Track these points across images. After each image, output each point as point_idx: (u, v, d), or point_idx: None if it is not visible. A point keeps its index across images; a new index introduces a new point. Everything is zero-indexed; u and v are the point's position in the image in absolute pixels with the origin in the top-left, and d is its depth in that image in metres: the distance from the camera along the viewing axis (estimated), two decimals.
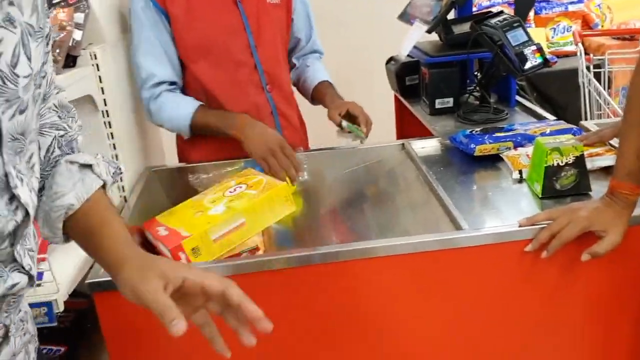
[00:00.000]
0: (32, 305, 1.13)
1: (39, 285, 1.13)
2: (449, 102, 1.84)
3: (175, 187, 1.60)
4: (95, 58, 1.36)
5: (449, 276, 1.18)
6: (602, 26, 3.01)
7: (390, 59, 2.14)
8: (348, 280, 1.17)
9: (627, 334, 1.25)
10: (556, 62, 2.76)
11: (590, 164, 1.31)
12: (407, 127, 2.21)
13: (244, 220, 1.26)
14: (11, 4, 0.64)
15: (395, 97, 2.27)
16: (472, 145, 1.47)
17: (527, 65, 1.59)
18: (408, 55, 1.90)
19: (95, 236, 0.80)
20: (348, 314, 1.19)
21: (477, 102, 1.85)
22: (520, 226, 1.15)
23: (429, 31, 1.77)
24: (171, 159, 1.90)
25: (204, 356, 1.19)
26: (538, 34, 2.83)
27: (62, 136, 0.85)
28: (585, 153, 1.27)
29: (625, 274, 1.20)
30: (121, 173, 0.93)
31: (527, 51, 1.59)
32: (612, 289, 1.21)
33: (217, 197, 1.35)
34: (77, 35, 1.32)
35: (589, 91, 2.26)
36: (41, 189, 0.81)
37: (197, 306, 0.79)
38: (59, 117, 0.87)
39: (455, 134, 1.57)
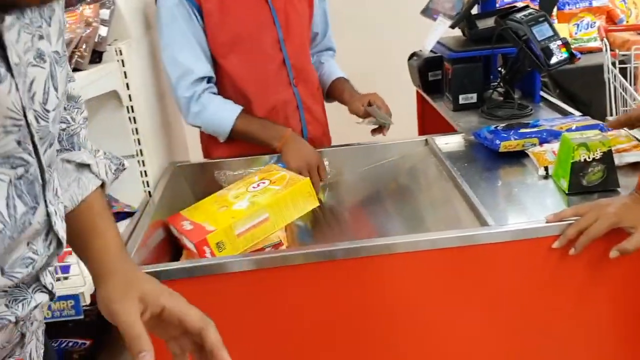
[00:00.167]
0: (59, 299, 1.15)
1: (65, 278, 1.15)
2: (473, 97, 1.83)
3: (199, 182, 1.61)
4: (121, 54, 1.37)
5: (473, 273, 1.17)
6: (627, 21, 2.96)
7: (413, 54, 2.13)
8: (370, 276, 1.17)
9: None
10: (580, 58, 2.72)
11: (618, 160, 1.29)
12: (429, 123, 2.20)
13: (267, 216, 1.27)
14: (41, 37, 0.61)
15: (418, 92, 2.25)
16: (497, 142, 1.45)
17: (553, 60, 1.57)
18: (431, 51, 1.89)
19: (86, 243, 0.78)
20: (369, 309, 1.19)
21: (501, 98, 1.83)
22: (547, 222, 1.13)
23: (452, 26, 1.75)
24: (194, 155, 1.91)
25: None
26: (561, 29, 2.79)
27: (63, 130, 0.80)
28: (612, 149, 1.25)
29: None
30: (124, 169, 0.89)
31: (553, 46, 1.57)
32: None
33: (241, 192, 1.36)
34: (103, 31, 1.33)
35: (615, 87, 2.23)
36: None
37: (172, 335, 0.76)
38: (64, 108, 0.81)
39: (480, 130, 1.55)
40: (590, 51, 2.79)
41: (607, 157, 1.24)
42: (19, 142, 0.55)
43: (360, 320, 1.19)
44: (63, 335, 1.47)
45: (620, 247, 1.09)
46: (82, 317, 1.13)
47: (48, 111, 0.62)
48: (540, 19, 1.60)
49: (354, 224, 1.59)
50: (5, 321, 0.59)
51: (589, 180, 1.25)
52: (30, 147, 0.57)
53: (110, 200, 1.40)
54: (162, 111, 1.65)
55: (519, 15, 1.63)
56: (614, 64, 2.19)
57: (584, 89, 2.58)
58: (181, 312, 0.73)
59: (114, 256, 0.77)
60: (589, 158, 1.23)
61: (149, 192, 1.47)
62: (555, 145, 1.37)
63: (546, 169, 1.36)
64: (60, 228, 0.64)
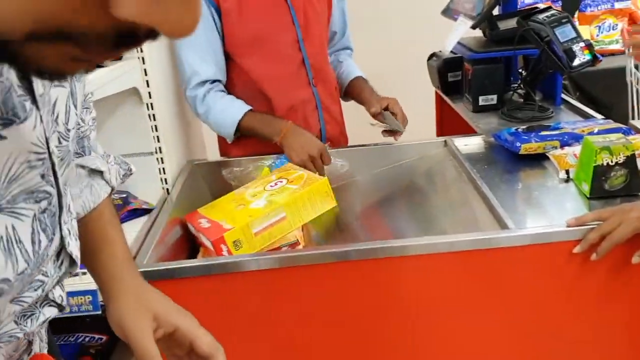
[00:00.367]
0: (76, 294, 1.16)
1: (84, 273, 1.15)
2: (493, 99, 1.81)
3: (216, 180, 1.61)
4: (141, 51, 1.37)
5: (491, 277, 1.16)
6: None
7: (432, 55, 2.12)
8: (386, 278, 1.16)
9: None
10: (601, 60, 2.68)
11: None
12: (448, 124, 2.18)
13: (284, 215, 1.27)
14: None
15: (437, 93, 2.24)
16: (518, 144, 1.44)
17: (576, 62, 1.55)
18: (451, 52, 1.88)
19: (95, 253, 0.76)
20: (384, 311, 1.18)
21: (522, 100, 1.81)
22: (568, 226, 1.12)
23: (474, 27, 1.74)
24: (212, 153, 1.91)
25: (243, 350, 1.20)
26: (583, 32, 2.75)
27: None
28: (636, 153, 1.23)
29: None
30: (131, 174, 0.88)
31: (576, 48, 1.55)
32: None
33: (258, 191, 1.36)
34: None
35: (637, 90, 2.20)
36: None
37: (176, 354, 0.75)
38: None
39: (500, 132, 1.54)
40: (612, 53, 2.76)
41: (630, 161, 1.22)
42: (42, 176, 0.54)
43: (374, 321, 1.19)
44: (80, 330, 1.48)
45: None
46: (99, 312, 1.14)
47: (69, 130, 0.61)
48: (563, 20, 1.58)
49: (370, 224, 1.58)
50: (14, 338, 0.58)
51: (611, 185, 1.23)
52: (52, 178, 0.55)
53: (129, 197, 1.41)
54: (181, 109, 1.65)
55: (541, 16, 1.61)
56: (636, 66, 2.16)
57: (605, 92, 2.55)
58: (193, 335, 0.72)
59: (123, 266, 0.76)
60: (611, 162, 1.22)
61: (167, 189, 1.48)
62: (576, 149, 1.35)
63: (567, 172, 1.35)
64: (74, 247, 0.62)
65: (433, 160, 1.65)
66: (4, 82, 0.46)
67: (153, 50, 1.43)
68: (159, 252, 1.20)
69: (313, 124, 1.65)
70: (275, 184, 1.36)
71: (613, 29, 2.86)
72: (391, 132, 1.63)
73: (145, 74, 1.38)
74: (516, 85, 1.89)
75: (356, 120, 1.81)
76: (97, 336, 1.47)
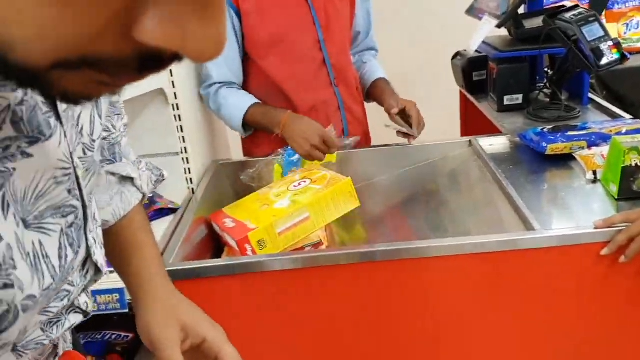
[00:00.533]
0: (104, 292, 1.17)
1: (112, 272, 1.17)
2: (518, 98, 1.79)
3: (240, 180, 1.62)
4: None
5: (518, 278, 1.15)
6: None
7: (457, 54, 2.10)
8: (409, 279, 1.16)
9: None
10: (629, 58, 2.64)
11: None
12: (473, 124, 2.16)
13: (308, 215, 1.27)
14: None
15: (461, 92, 2.22)
16: (544, 144, 1.42)
17: (603, 62, 1.52)
18: (476, 51, 1.86)
19: (126, 260, 0.76)
20: (407, 312, 1.18)
21: (548, 100, 1.79)
22: (595, 228, 1.10)
23: (499, 26, 1.72)
24: (235, 152, 1.93)
25: (265, 350, 1.21)
26: (610, 29, 2.71)
27: (105, 138, 0.76)
28: None
29: None
30: (163, 179, 0.88)
31: (604, 47, 1.53)
32: None
33: (282, 191, 1.36)
34: None
35: None
36: None
37: None
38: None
39: (525, 132, 1.52)
40: None
41: None
42: (69, 191, 0.54)
43: (397, 323, 1.19)
44: (107, 327, 1.50)
45: None
46: (126, 310, 1.15)
47: (94, 140, 0.61)
48: (591, 19, 1.56)
49: (394, 225, 1.58)
50: (40, 345, 0.58)
51: (639, 186, 1.22)
52: (77, 192, 0.55)
53: (155, 196, 1.42)
54: (206, 110, 1.66)
55: (568, 14, 1.59)
56: None
57: (633, 91, 2.50)
58: (219, 348, 0.72)
59: (154, 274, 0.76)
60: None
61: (192, 189, 1.49)
62: (604, 149, 1.33)
63: (594, 172, 1.33)
64: (100, 256, 0.62)
65: (457, 160, 1.64)
66: (29, 101, 0.47)
67: None
68: (185, 251, 1.21)
69: (335, 124, 1.65)
70: (299, 184, 1.37)
71: None
72: (406, 133, 1.61)
73: (171, 75, 1.40)
74: (542, 84, 1.86)
75: (379, 120, 1.80)
76: (123, 334, 1.49)
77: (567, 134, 1.44)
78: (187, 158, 1.46)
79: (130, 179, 0.79)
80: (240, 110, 1.56)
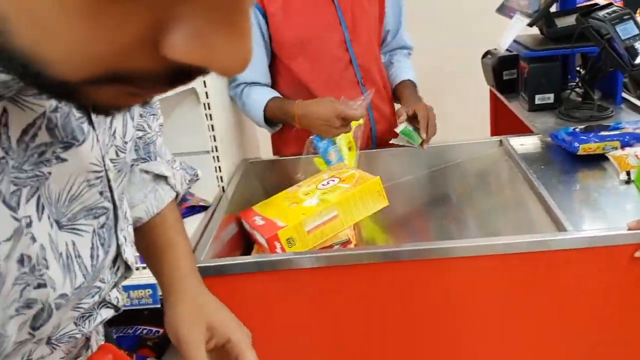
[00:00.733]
0: (137, 287, 1.20)
1: (144, 267, 1.19)
2: (550, 98, 1.77)
3: (269, 179, 1.64)
4: None
5: (549, 280, 1.13)
6: None
7: (487, 52, 2.09)
8: (437, 279, 1.15)
9: None
10: None
11: None
12: (503, 123, 2.15)
13: (336, 213, 1.27)
14: None
15: (491, 92, 2.21)
16: (576, 144, 1.40)
17: (638, 60, 1.50)
18: (506, 50, 1.85)
19: (158, 258, 0.77)
20: (434, 312, 1.18)
21: (580, 99, 1.77)
22: (629, 229, 1.08)
23: (531, 24, 1.70)
24: (264, 151, 1.94)
25: (291, 347, 1.22)
26: None
27: (140, 137, 0.78)
28: None
29: None
30: (198, 179, 0.89)
31: (638, 45, 1.50)
32: None
33: (311, 189, 1.37)
34: None
35: None
36: None
37: None
38: (140, 115, 0.78)
39: (557, 131, 1.51)
40: None
41: None
42: (101, 193, 0.55)
43: (424, 323, 1.19)
44: (138, 322, 1.53)
45: None
46: (158, 306, 1.17)
47: (127, 142, 0.63)
48: (625, 17, 1.53)
49: (423, 224, 1.58)
50: (73, 339, 0.60)
51: None
52: (109, 193, 0.57)
53: (186, 194, 1.44)
54: (236, 109, 1.68)
55: (601, 13, 1.56)
56: None
57: None
58: (241, 351, 0.72)
59: (185, 273, 0.76)
60: None
61: (223, 187, 1.51)
62: (638, 149, 1.32)
63: (628, 173, 1.31)
64: (130, 254, 0.63)
65: (488, 160, 1.62)
66: (63, 108, 0.48)
67: None
68: (215, 249, 1.23)
69: (364, 123, 1.65)
70: (328, 183, 1.37)
71: None
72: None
73: None
74: (574, 83, 1.84)
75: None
76: (154, 329, 1.52)
77: (599, 133, 1.42)
78: (217, 157, 1.48)
79: (164, 178, 0.81)
80: (260, 106, 1.58)
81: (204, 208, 1.42)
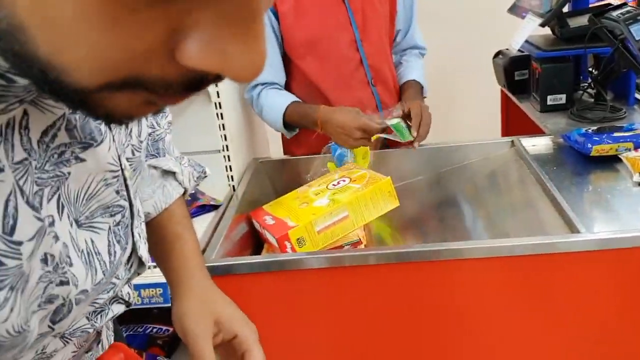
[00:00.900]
0: (148, 286, 1.20)
1: (155, 267, 1.19)
2: (562, 98, 1.76)
3: (279, 178, 1.64)
4: None
5: (560, 282, 1.12)
6: None
7: (498, 52, 2.08)
8: (447, 280, 1.15)
9: None
10: None
11: None
12: (514, 124, 2.13)
13: (347, 214, 1.27)
14: None
15: (502, 92, 2.19)
16: (589, 145, 1.39)
17: None
18: (518, 50, 1.84)
19: (166, 253, 0.77)
20: (443, 314, 1.17)
21: (592, 100, 1.76)
22: None
23: (543, 24, 1.69)
24: (274, 150, 1.94)
25: (300, 347, 1.22)
26: None
27: (149, 134, 0.79)
28: None
29: None
30: (206, 176, 0.89)
31: None
32: None
33: (321, 189, 1.37)
34: None
35: None
36: None
37: None
38: None
39: (570, 132, 1.49)
40: None
41: None
42: (117, 192, 0.56)
43: (433, 324, 1.18)
44: (149, 321, 1.53)
45: None
46: (169, 305, 1.17)
47: (142, 141, 0.64)
48: (639, 17, 1.52)
49: (434, 225, 1.57)
50: (85, 333, 0.61)
51: None
52: (125, 192, 0.58)
53: (197, 193, 1.45)
54: (246, 108, 1.68)
55: (615, 13, 1.55)
56: None
57: None
58: (248, 347, 0.72)
59: (193, 268, 0.77)
60: None
61: (233, 186, 1.51)
62: None
63: None
64: (144, 250, 0.64)
65: (499, 160, 1.61)
66: None
67: None
68: (226, 248, 1.23)
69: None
70: (338, 183, 1.37)
71: None
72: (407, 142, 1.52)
73: None
74: (586, 84, 1.83)
75: None
76: (164, 327, 1.52)
77: (613, 135, 1.41)
78: (228, 156, 1.48)
79: (172, 173, 0.81)
80: (279, 111, 1.57)
81: (214, 207, 1.42)
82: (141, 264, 0.64)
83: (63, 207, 0.49)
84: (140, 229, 0.63)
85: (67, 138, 0.49)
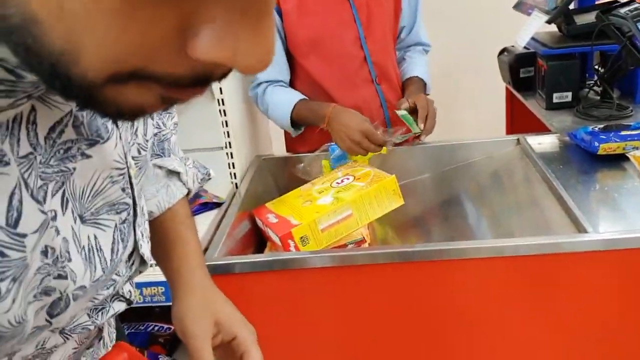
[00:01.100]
0: (149, 284, 1.19)
1: (157, 265, 1.18)
2: (568, 96, 1.74)
3: (282, 175, 1.63)
4: None
5: (567, 282, 1.11)
6: None
7: (504, 49, 2.06)
8: (452, 280, 1.14)
9: None
10: None
11: None
12: (519, 122, 2.12)
13: (351, 212, 1.26)
14: None
15: (507, 89, 2.18)
16: (596, 144, 1.38)
17: None
18: (524, 47, 1.82)
19: (167, 253, 0.78)
20: (446, 314, 1.16)
21: (598, 97, 1.74)
22: None
23: (549, 21, 1.68)
24: (277, 148, 1.93)
25: (303, 346, 1.21)
26: None
27: (155, 134, 0.79)
28: None
29: None
30: (209, 178, 0.89)
31: None
32: None
33: (325, 187, 1.36)
34: None
35: None
36: None
37: None
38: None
39: (576, 131, 1.48)
40: None
41: None
42: (123, 189, 0.56)
43: (437, 323, 1.17)
44: (150, 319, 1.52)
45: None
46: (170, 303, 1.16)
47: (147, 140, 0.64)
48: None
49: (438, 224, 1.56)
50: (86, 330, 0.61)
51: None
52: (130, 190, 0.58)
53: (200, 190, 1.43)
54: (249, 105, 1.67)
55: (623, 10, 1.53)
56: None
57: None
58: (247, 348, 0.72)
59: (194, 268, 0.77)
60: None
61: (236, 183, 1.50)
62: None
63: None
64: (146, 249, 0.65)
65: (505, 159, 1.60)
66: None
67: None
68: (228, 246, 1.22)
69: (379, 122, 1.63)
70: (342, 181, 1.36)
71: None
72: (414, 136, 1.51)
73: None
74: (592, 82, 1.81)
75: None
76: (165, 326, 1.51)
77: (620, 133, 1.40)
78: (231, 153, 1.47)
79: (177, 174, 0.81)
80: (287, 107, 1.56)
81: (217, 205, 1.41)
82: (143, 262, 0.65)
83: (67, 202, 0.50)
84: (143, 228, 0.63)
85: (74, 134, 0.49)
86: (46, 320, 0.51)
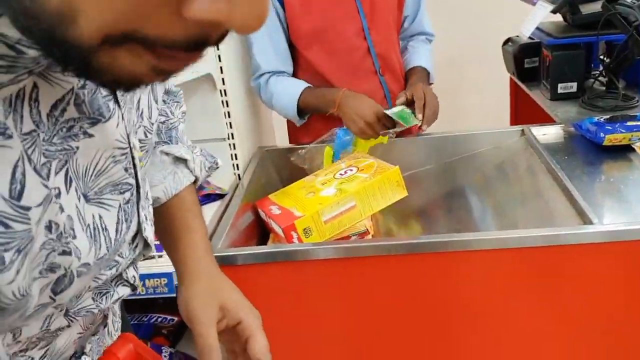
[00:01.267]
0: (153, 276, 1.19)
1: (160, 256, 1.18)
2: (573, 87, 1.73)
3: (285, 167, 1.62)
4: None
5: (572, 274, 1.11)
6: None
7: (508, 39, 2.04)
8: (455, 272, 1.13)
9: None
10: None
11: None
12: (523, 112, 2.11)
13: (354, 203, 1.26)
14: None
15: (511, 80, 2.16)
16: (601, 134, 1.36)
17: None
18: (529, 37, 1.80)
19: (174, 240, 0.78)
20: (449, 306, 1.16)
21: (604, 88, 1.73)
22: None
23: (554, 11, 1.66)
24: (280, 139, 1.92)
25: (305, 339, 1.21)
26: None
27: (163, 122, 0.81)
28: None
29: None
30: (217, 167, 0.90)
31: None
32: None
33: (328, 179, 1.35)
34: None
35: None
36: None
37: (235, 351, 0.75)
38: (163, 101, 0.82)
39: (581, 121, 1.47)
40: None
41: None
42: (126, 169, 0.57)
43: (440, 315, 1.17)
44: (154, 310, 1.52)
45: None
46: (174, 294, 1.17)
47: (153, 124, 0.65)
48: None
49: (443, 215, 1.55)
50: (90, 313, 0.62)
51: None
52: (132, 170, 0.58)
53: (202, 182, 1.43)
54: (252, 96, 1.66)
55: None
56: None
57: None
58: (252, 333, 0.72)
59: (201, 255, 0.77)
60: None
61: (239, 175, 1.49)
62: None
63: None
64: (150, 232, 0.65)
65: (509, 149, 1.59)
66: (89, 85, 0.51)
67: (227, 37, 1.44)
68: (232, 237, 1.22)
69: None
70: (345, 172, 1.35)
71: None
72: (419, 127, 1.49)
73: (219, 61, 1.39)
74: (597, 72, 1.80)
75: None
76: (169, 317, 1.51)
77: (626, 124, 1.38)
78: (234, 144, 1.46)
79: (184, 161, 0.81)
80: (294, 95, 1.55)
81: (220, 196, 1.41)
82: (147, 245, 0.65)
83: (71, 180, 0.51)
84: (147, 211, 0.64)
85: (76, 113, 0.50)
86: (50, 297, 0.51)
